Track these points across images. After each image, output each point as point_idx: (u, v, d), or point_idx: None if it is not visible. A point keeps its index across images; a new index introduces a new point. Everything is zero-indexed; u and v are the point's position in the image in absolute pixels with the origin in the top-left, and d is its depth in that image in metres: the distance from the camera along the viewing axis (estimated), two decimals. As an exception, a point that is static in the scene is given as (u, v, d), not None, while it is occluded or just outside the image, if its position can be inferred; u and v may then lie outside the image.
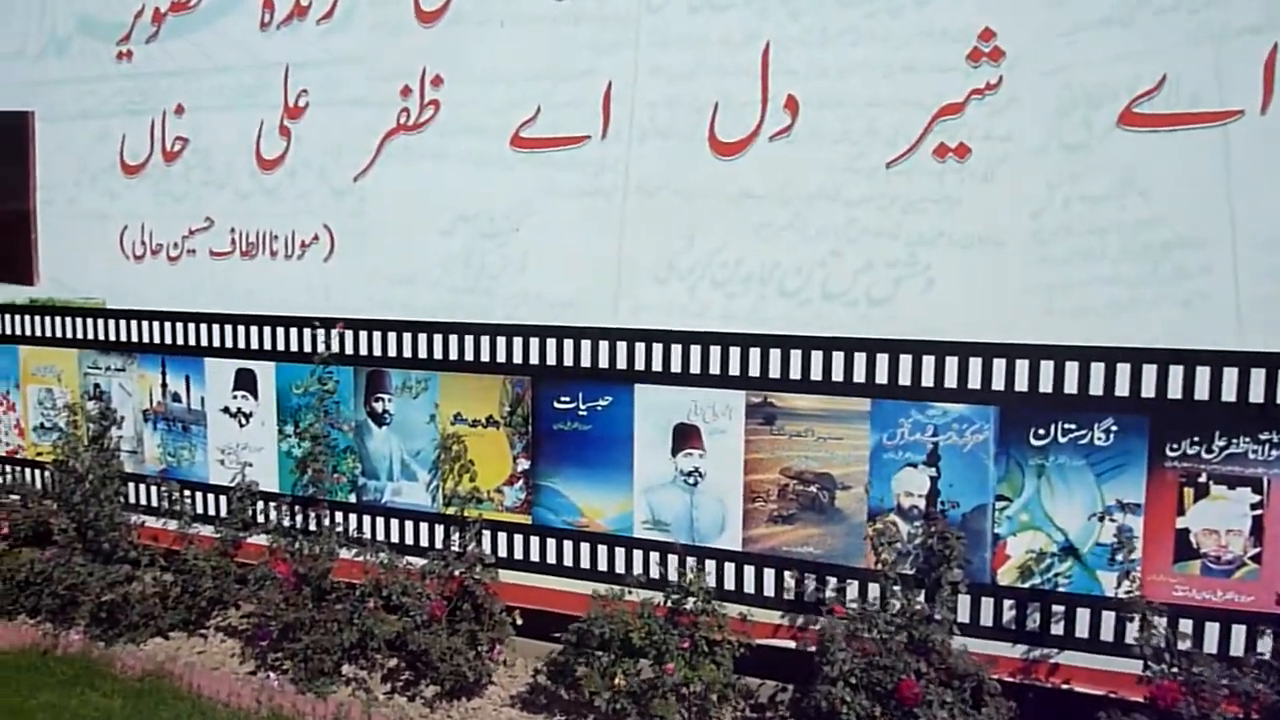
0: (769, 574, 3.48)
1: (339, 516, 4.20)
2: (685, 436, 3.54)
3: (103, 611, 4.05)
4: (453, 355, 3.88)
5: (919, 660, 2.88)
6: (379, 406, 4.05)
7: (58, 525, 4.35)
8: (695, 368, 3.49)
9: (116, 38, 4.50)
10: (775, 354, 3.38)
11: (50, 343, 4.83)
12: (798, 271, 3.33)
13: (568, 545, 3.77)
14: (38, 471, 4.98)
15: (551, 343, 3.70)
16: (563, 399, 3.70)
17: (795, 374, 3.36)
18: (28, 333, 4.89)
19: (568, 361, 3.68)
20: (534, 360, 3.73)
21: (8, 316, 4.95)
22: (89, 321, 4.70)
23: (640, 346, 3.56)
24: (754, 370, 3.41)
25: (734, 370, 3.44)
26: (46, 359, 4.86)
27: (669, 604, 3.33)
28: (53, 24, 4.67)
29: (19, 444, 5.03)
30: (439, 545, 3.99)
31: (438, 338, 3.90)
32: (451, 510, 3.94)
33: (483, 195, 3.77)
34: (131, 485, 4.65)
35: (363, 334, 4.04)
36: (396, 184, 3.93)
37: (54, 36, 4.67)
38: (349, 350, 4.08)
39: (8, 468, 5.07)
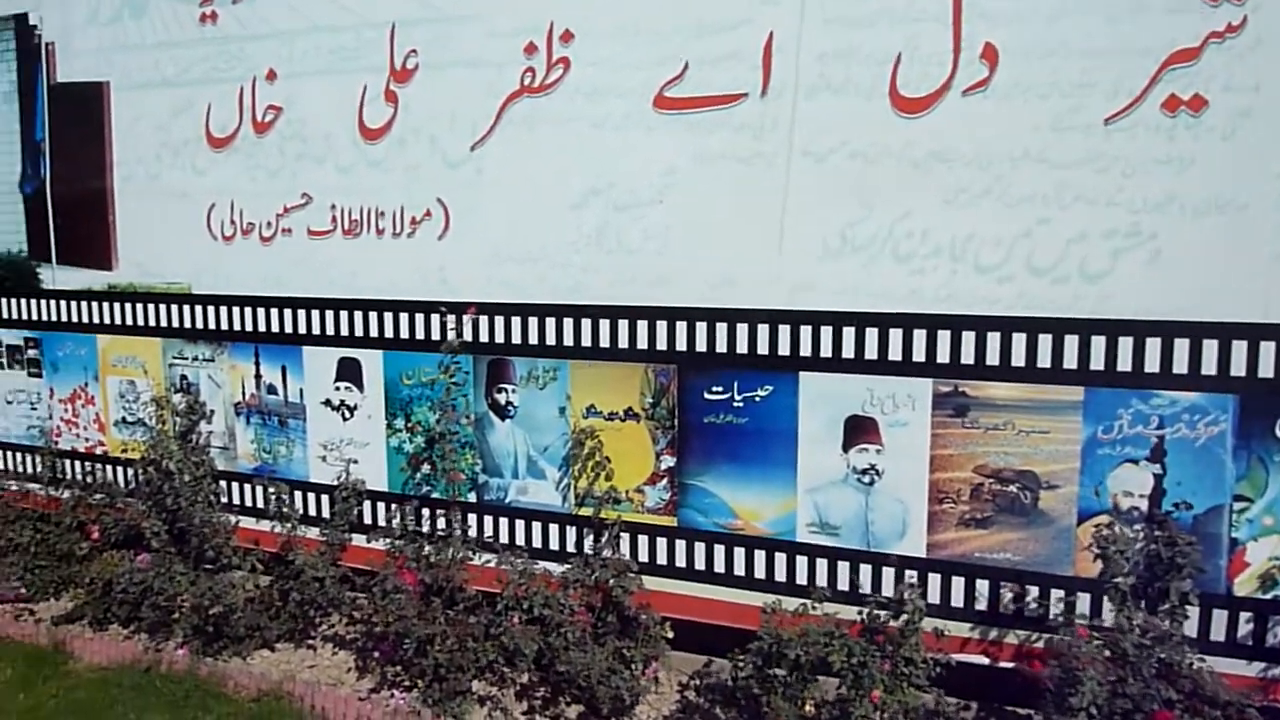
0: (957, 583, 3.22)
1: (456, 517, 3.98)
2: (860, 430, 3.27)
3: (207, 624, 3.87)
4: (585, 341, 3.63)
5: (1167, 686, 2.61)
6: (502, 398, 3.82)
7: (150, 528, 4.19)
8: (872, 353, 3.22)
9: (199, -2, 4.26)
10: (969, 337, 3.10)
11: (131, 331, 4.66)
12: (997, 243, 3.04)
13: (719, 550, 3.54)
14: (119, 469, 4.82)
15: (701, 327, 3.44)
16: (715, 389, 3.44)
17: (993, 359, 3.08)
18: (107, 321, 4.72)
19: (720, 347, 3.42)
20: (681, 346, 3.48)
21: (85, 304, 4.78)
22: (173, 308, 4.51)
23: (806, 330, 3.29)
24: (942, 355, 3.14)
25: (918, 355, 3.16)
26: (127, 349, 4.68)
27: (865, 620, 3.08)
28: (128, -15, 4.44)
29: (99, 439, 4.87)
30: (570, 549, 3.77)
31: (568, 322, 3.65)
32: (585, 511, 3.71)
33: (620, 163, 3.51)
34: (223, 483, 4.46)
35: (483, 319, 3.80)
36: (519, 153, 3.68)
37: (130, -1, 4.45)
38: (467, 337, 3.84)
39: (87, 465, 4.92)
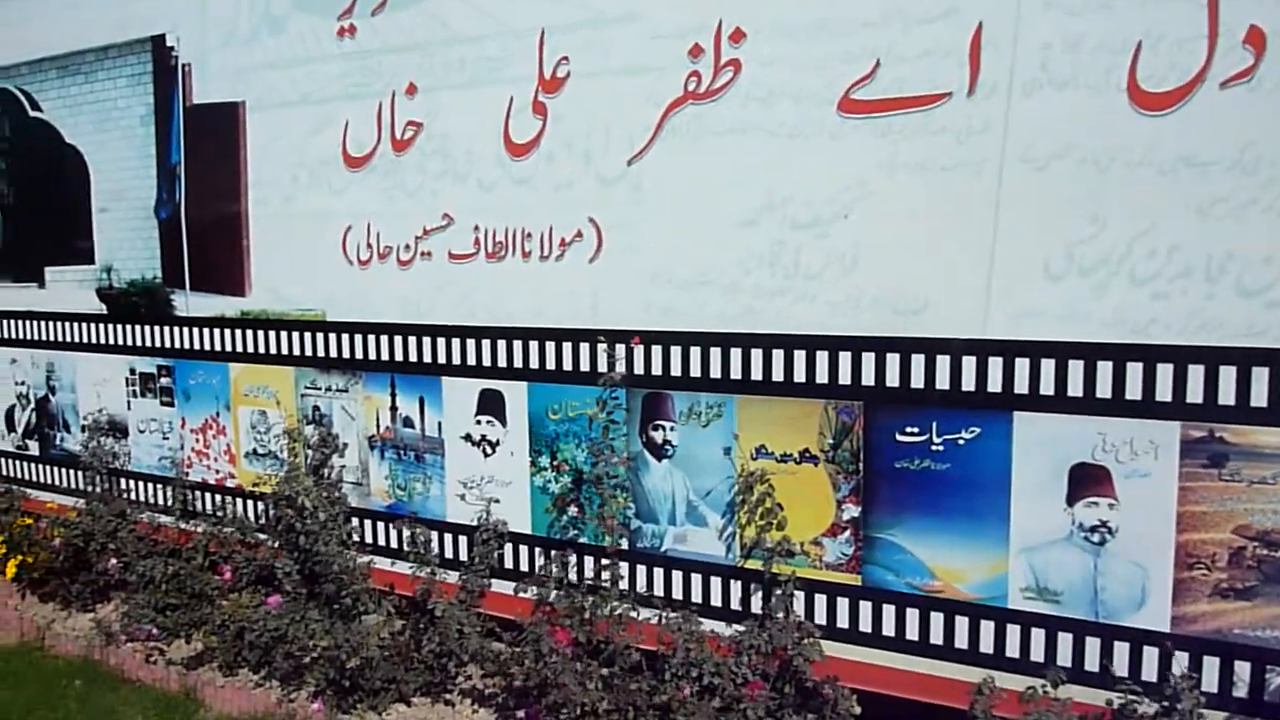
0: (1211, 664, 2.77)
1: (615, 569, 3.72)
2: (1088, 480, 2.86)
3: (342, 676, 3.69)
4: (756, 374, 3.32)
5: None
6: (658, 436, 3.54)
7: (281, 568, 4.05)
8: (1104, 390, 2.81)
9: (338, 11, 4.17)
10: (1228, 373, 2.67)
11: (264, 360, 4.58)
12: (1266, 263, 2.61)
13: (911, 614, 3.17)
14: (249, 502, 4.73)
15: (893, 359, 3.09)
16: (909, 430, 3.08)
17: (1259, 400, 2.64)
18: (239, 349, 4.65)
19: (916, 382, 3.06)
20: (868, 381, 3.14)
21: (217, 331, 4.73)
22: (307, 336, 4.41)
23: (1023, 363, 2.91)
24: (1194, 395, 2.71)
25: (1163, 395, 2.74)
26: (260, 378, 4.60)
27: (1119, 710, 2.67)
28: (266, 1, 4.37)
29: (229, 471, 4.80)
30: (734, 605, 3.45)
31: (735, 353, 3.35)
32: (753, 564, 3.40)
33: (798, 175, 3.21)
34: (355, 521, 4.31)
35: (638, 349, 3.54)
36: (682, 166, 3.41)
37: (268, 15, 4.39)
38: (620, 368, 3.58)
39: (217, 497, 4.85)
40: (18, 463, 5.80)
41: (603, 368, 3.63)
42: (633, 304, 3.55)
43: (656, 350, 3.52)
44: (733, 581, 3.49)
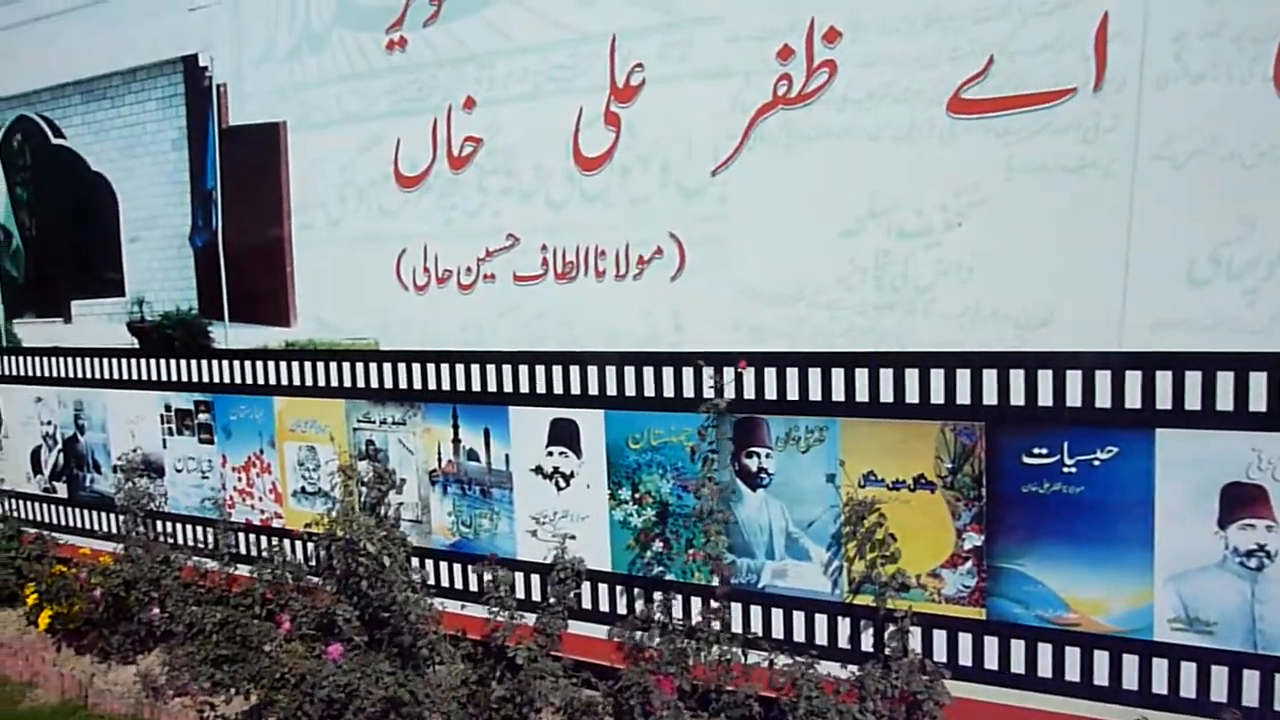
0: (1389, 699, 2.57)
1: (694, 603, 3.52)
2: (1244, 501, 2.68)
3: (420, 731, 3.49)
4: (861, 396, 3.14)
5: None
6: (752, 464, 3.36)
7: (342, 615, 3.85)
8: (1259, 403, 2.62)
9: (386, 24, 4.00)
10: (1403, 382, 2.47)
11: (311, 393, 4.39)
12: None
13: (1044, 650, 2.97)
14: (298, 544, 4.53)
15: (1018, 375, 2.91)
16: (1037, 451, 2.90)
17: None
18: (284, 382, 4.47)
19: (1045, 400, 2.88)
20: (990, 400, 2.95)
21: (259, 364, 4.54)
22: (358, 366, 4.22)
23: (1165, 377, 2.73)
24: (1364, 406, 2.51)
25: (1328, 407, 2.55)
26: (307, 412, 4.41)
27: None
28: (307, 17, 4.22)
29: (275, 511, 4.60)
30: (842, 644, 3.25)
31: (838, 374, 3.17)
32: (862, 600, 3.20)
33: (904, 181, 3.03)
34: (415, 561, 4.11)
35: (729, 371, 3.35)
36: (773, 175, 3.24)
37: (308, 32, 4.22)
38: (707, 393, 3.39)
39: (263, 539, 4.65)
40: (45, 506, 5.60)
41: (689, 393, 3.44)
42: (721, 323, 3.37)
43: (749, 372, 3.33)
44: (840, 619, 3.29)
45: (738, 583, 3.45)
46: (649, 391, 3.54)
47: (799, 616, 3.36)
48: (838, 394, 3.20)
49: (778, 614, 3.40)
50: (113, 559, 4.66)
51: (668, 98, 3.42)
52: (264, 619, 4.14)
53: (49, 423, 5.48)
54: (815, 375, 3.23)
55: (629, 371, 3.57)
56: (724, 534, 3.28)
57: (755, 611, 3.44)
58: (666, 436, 3.52)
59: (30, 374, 5.52)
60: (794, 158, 3.21)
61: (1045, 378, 2.88)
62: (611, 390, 3.61)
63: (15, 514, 5.67)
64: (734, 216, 3.33)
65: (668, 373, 3.49)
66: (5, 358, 5.63)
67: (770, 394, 3.30)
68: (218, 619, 4.17)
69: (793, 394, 3.27)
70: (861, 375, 3.15)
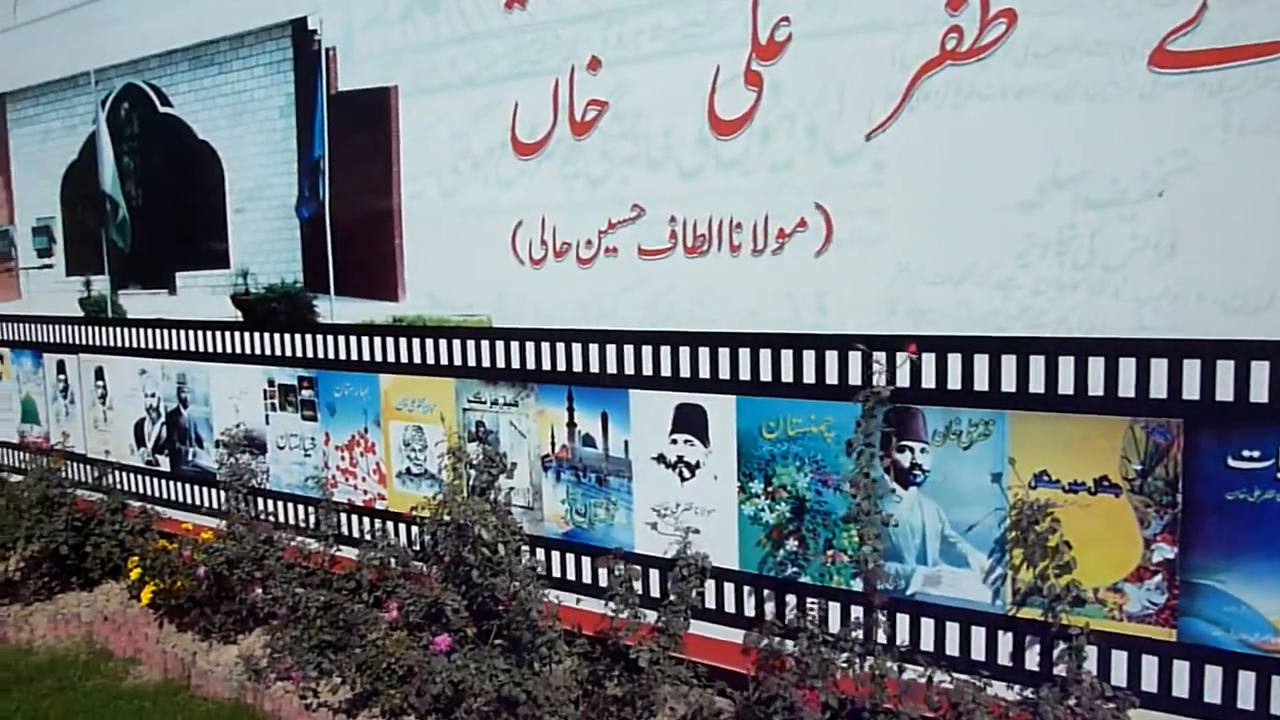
0: None
1: (833, 609, 3.26)
2: None
3: (537, 732, 3.31)
4: (1036, 386, 2.83)
5: None
6: (905, 459, 3.08)
7: (450, 604, 3.70)
8: None
9: (506, -20, 3.78)
10: None
11: (420, 371, 4.24)
12: None
13: (1246, 678, 2.64)
14: (402, 527, 4.40)
15: (1225, 366, 2.57)
16: (1247, 454, 2.56)
17: None
18: (390, 359, 4.33)
19: (1259, 395, 2.52)
20: (1191, 394, 2.62)
21: (365, 339, 4.41)
22: (470, 344, 4.05)
23: None
24: None
25: None
26: (414, 390, 4.26)
27: None
28: (421, -26, 4.03)
29: (379, 492, 4.48)
30: (1003, 660, 2.96)
31: (1009, 361, 2.87)
32: (1029, 614, 2.90)
33: (1095, 145, 2.71)
34: (526, 550, 3.94)
35: (879, 356, 3.07)
36: (938, 139, 2.94)
37: (423, -11, 4.04)
38: (853, 380, 3.12)
39: (365, 521, 4.53)
40: (147, 479, 5.60)
41: (832, 379, 3.17)
42: (872, 304, 3.09)
43: (903, 358, 3.04)
44: (1001, 633, 2.99)
45: (883, 589, 3.17)
46: (787, 377, 3.28)
47: (953, 628, 3.08)
48: (1008, 384, 2.89)
49: (928, 625, 3.12)
50: (215, 536, 4.60)
51: (817, 54, 3.14)
52: (371, 605, 4.01)
53: (153, 395, 5.47)
54: (982, 362, 2.93)
55: (765, 354, 3.32)
56: (882, 537, 3.00)
57: (902, 621, 3.16)
58: (806, 426, 3.26)
59: (135, 346, 5.52)
60: (963, 119, 2.90)
61: (1261, 370, 2.54)
62: (745, 374, 3.37)
63: (118, 486, 5.68)
64: (891, 185, 3.04)
65: (809, 356, 3.23)
66: (111, 329, 5.64)
67: (928, 382, 3.01)
68: (321, 602, 4.06)
69: (954, 383, 2.98)
70: (1037, 363, 2.84)
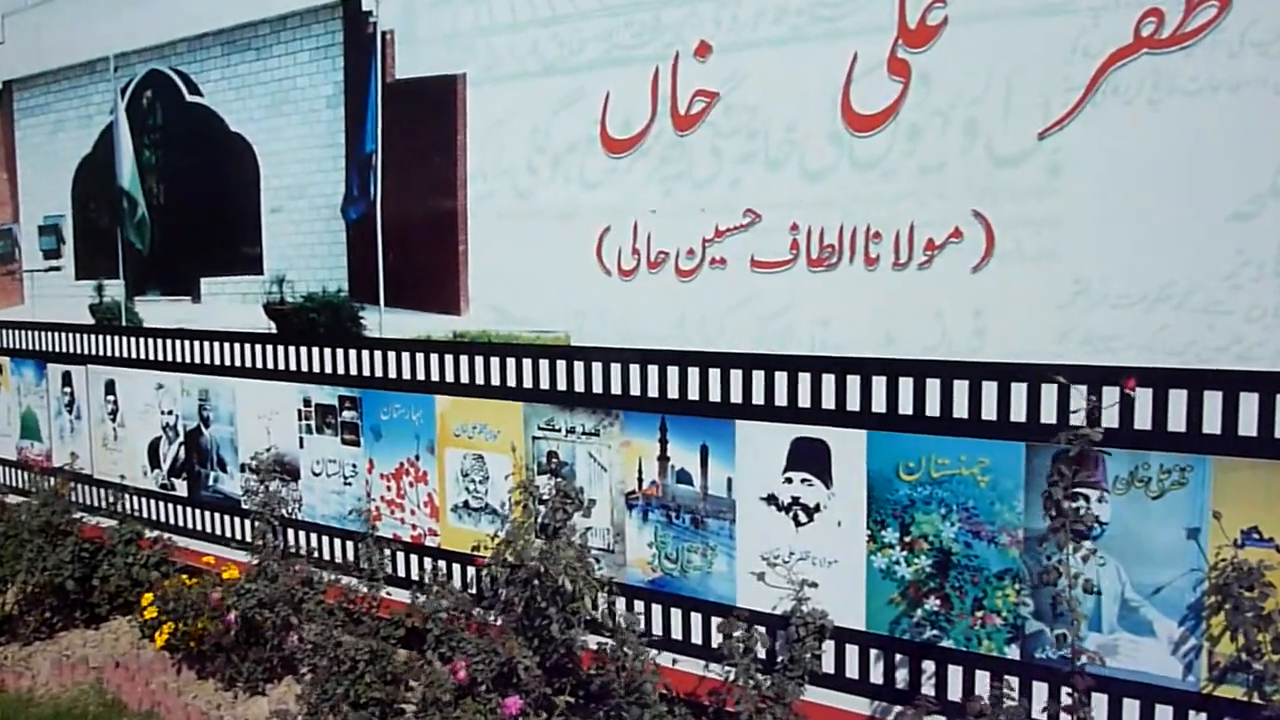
0: None
1: (980, 677, 2.87)
2: None
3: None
4: (1247, 429, 2.47)
5: None
6: (1078, 508, 2.67)
7: (524, 662, 3.30)
8: None
9: (598, -45, 3.42)
10: None
11: (483, 393, 3.86)
12: None
13: None
14: (456, 567, 4.00)
15: None
16: None
17: None
18: (449, 378, 3.94)
19: None
20: None
21: (420, 356, 4.03)
22: (543, 364, 3.66)
23: None
24: None
25: None
26: (476, 415, 3.87)
27: None
28: (498, -51, 3.67)
29: (430, 527, 4.07)
30: (1195, 748, 2.57)
31: (1213, 398, 2.51)
32: (1230, 692, 2.51)
33: (1328, 148, 2.33)
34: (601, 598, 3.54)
35: (1046, 390, 2.69)
36: (1129, 139, 2.59)
37: (499, -34, 3.67)
38: (1013, 416, 2.74)
39: (413, 559, 4.13)
40: (161, 504, 5.19)
41: (990, 414, 2.80)
42: (1042, 327, 2.72)
43: (1077, 392, 2.67)
44: (1193, 713, 2.60)
45: (1043, 656, 2.80)
46: (933, 410, 2.90)
47: (1131, 706, 2.69)
48: (1211, 425, 2.52)
49: (1099, 700, 2.72)
50: (242, 572, 4.18)
51: (979, 40, 2.78)
52: (424, 656, 3.59)
53: (170, 412, 5.07)
54: (1178, 399, 2.56)
55: (906, 384, 2.94)
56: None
57: (1065, 695, 2.77)
58: (955, 468, 2.88)
59: (152, 358, 5.11)
60: (1161, 116, 2.54)
61: None
62: (879, 406, 2.99)
63: (127, 510, 5.26)
64: (1069, 191, 2.67)
65: (960, 387, 2.85)
66: (125, 338, 5.24)
67: (1109, 420, 2.63)
68: (369, 652, 3.65)
69: (1143, 422, 2.59)
70: (1249, 402, 2.47)
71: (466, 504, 3.99)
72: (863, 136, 2.97)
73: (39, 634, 4.82)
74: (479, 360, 3.87)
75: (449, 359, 3.96)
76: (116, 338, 5.30)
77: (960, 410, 2.86)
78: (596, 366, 3.56)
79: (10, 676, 4.35)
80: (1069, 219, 2.67)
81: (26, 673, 4.41)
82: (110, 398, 5.38)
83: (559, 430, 3.69)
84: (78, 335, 5.50)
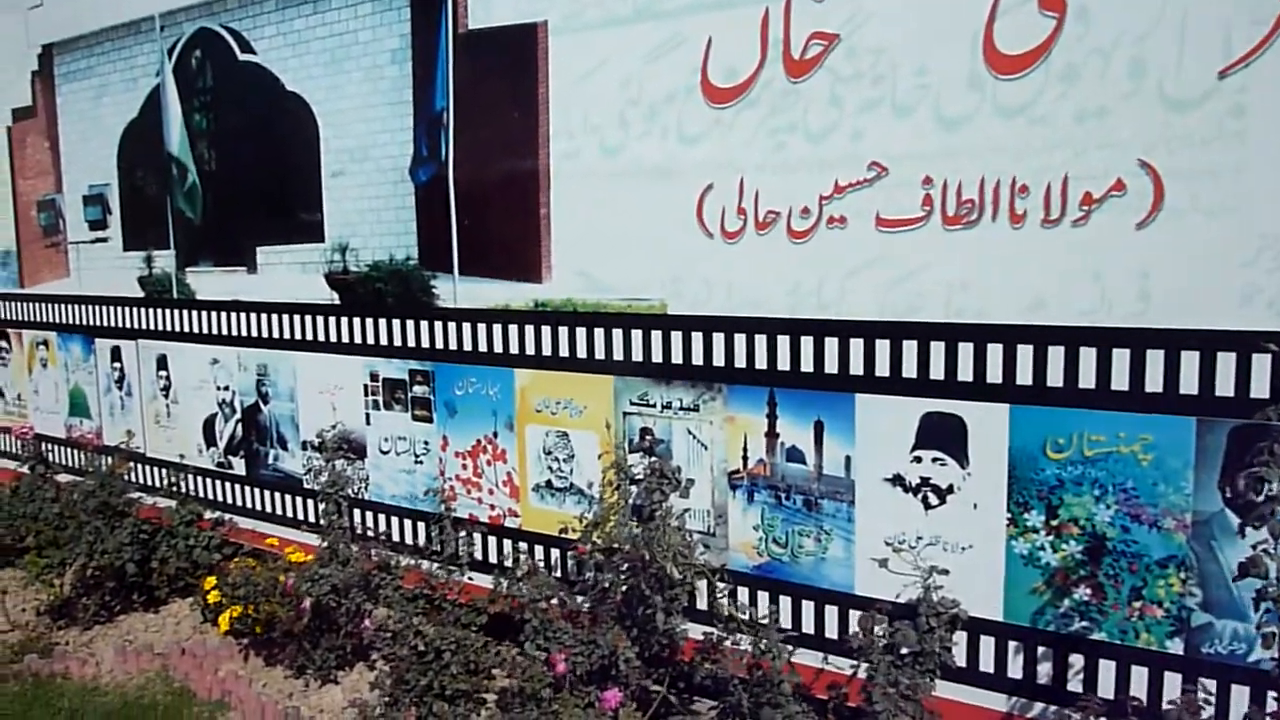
0: None
1: (1136, 673, 2.63)
2: None
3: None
4: None
5: None
6: (1254, 491, 2.42)
7: (626, 654, 3.09)
8: None
9: (700, -113, 3.14)
10: None
11: (568, 365, 3.63)
12: None
13: None
14: (539, 549, 3.80)
15: None
16: None
17: None
18: (530, 351, 3.71)
19: None
20: None
21: (497, 327, 3.80)
22: (636, 335, 3.43)
23: None
24: None
25: None
26: (560, 389, 3.66)
27: None
28: (584, -117, 3.39)
29: (510, 508, 3.87)
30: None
31: None
32: None
33: None
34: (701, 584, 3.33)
35: (1223, 356, 2.43)
36: (1330, 74, 2.27)
37: (586, -98, 3.40)
38: (1182, 388, 2.48)
39: (490, 541, 3.93)
40: (217, 483, 5.03)
41: (1154, 385, 2.54)
42: (1219, 289, 2.46)
43: (1259, 361, 2.40)
44: (1396, 719, 2.36)
45: (1213, 651, 2.55)
46: (1087, 382, 2.65)
47: (1320, 709, 2.44)
48: None
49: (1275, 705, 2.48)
50: (315, 557, 4.00)
51: (1148, -33, 2.48)
52: (543, 656, 3.38)
53: (226, 388, 4.89)
54: (1385, 368, 2.28)
55: (1056, 353, 2.69)
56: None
57: (1239, 692, 2.53)
58: (1112, 445, 2.63)
59: (206, 331, 4.93)
60: (1373, 47, 2.25)
61: None
62: (1025, 377, 2.73)
63: (182, 489, 5.09)
64: (1255, 136, 2.40)
65: (1121, 357, 2.60)
66: (177, 311, 5.05)
67: (1298, 392, 2.37)
68: (454, 641, 3.46)
69: (1340, 394, 2.33)
70: None
71: (549, 483, 3.78)
72: (1008, 79, 2.70)
73: (98, 618, 4.67)
74: (563, 331, 3.64)
75: (529, 330, 3.73)
76: (168, 311, 5.12)
77: (1120, 382, 2.61)
78: (696, 336, 3.33)
79: (75, 664, 4.20)
80: (1255, 166, 2.40)
81: (90, 659, 4.26)
82: (163, 373, 5.21)
83: (654, 405, 3.46)
84: (127, 309, 5.33)
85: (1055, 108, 2.64)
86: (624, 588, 3.27)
